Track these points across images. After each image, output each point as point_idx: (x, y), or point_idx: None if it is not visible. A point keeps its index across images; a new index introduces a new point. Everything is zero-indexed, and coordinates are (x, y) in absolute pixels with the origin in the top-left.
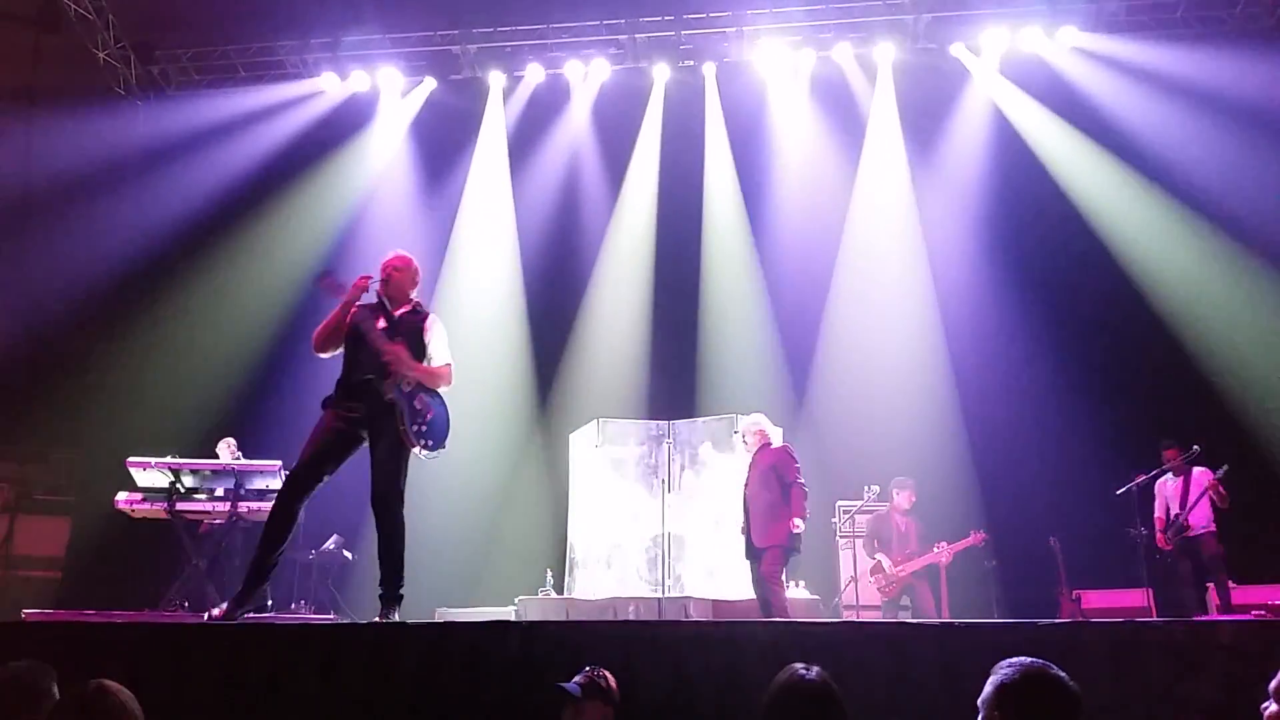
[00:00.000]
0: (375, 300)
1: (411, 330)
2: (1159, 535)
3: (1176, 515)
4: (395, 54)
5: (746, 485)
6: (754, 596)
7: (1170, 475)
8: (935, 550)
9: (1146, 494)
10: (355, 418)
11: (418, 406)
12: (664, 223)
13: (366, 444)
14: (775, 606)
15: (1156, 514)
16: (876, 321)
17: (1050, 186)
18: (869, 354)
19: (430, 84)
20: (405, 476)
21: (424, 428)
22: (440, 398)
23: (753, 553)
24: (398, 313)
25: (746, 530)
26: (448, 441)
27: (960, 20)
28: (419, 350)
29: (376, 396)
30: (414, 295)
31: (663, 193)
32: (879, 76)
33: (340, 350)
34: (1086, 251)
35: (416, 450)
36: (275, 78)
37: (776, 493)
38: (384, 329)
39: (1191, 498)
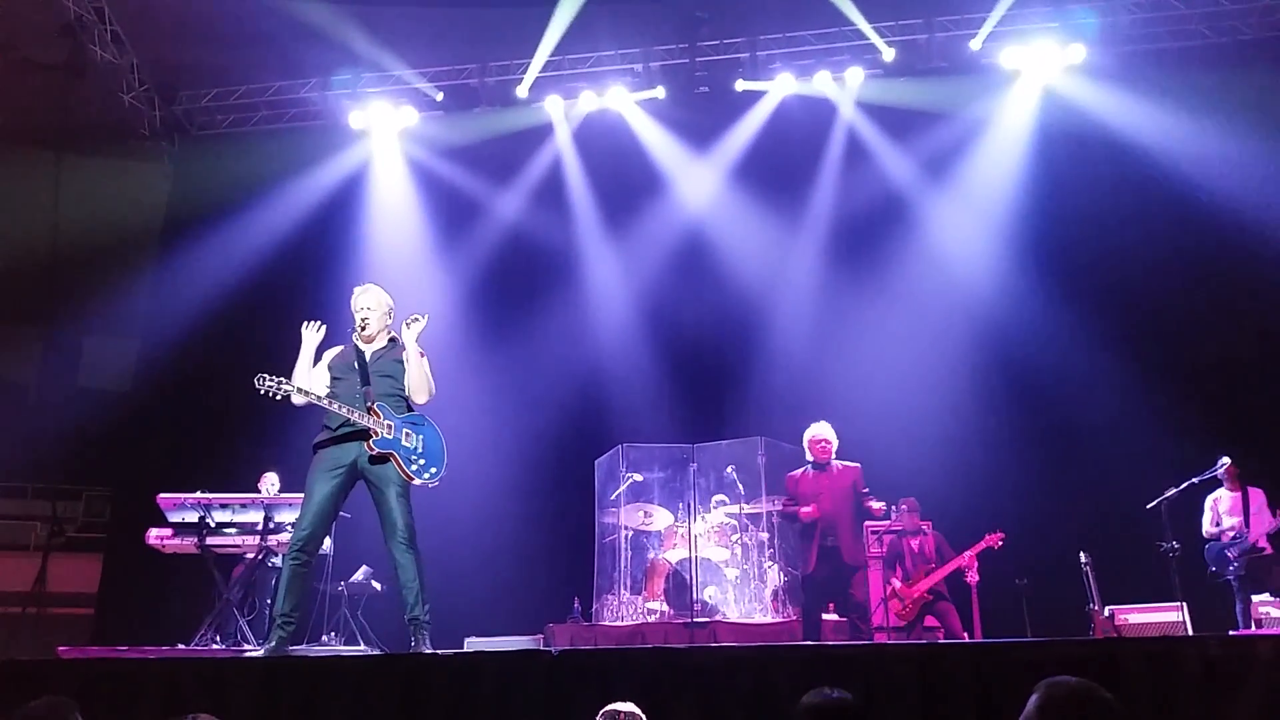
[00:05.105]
0: (350, 345)
1: (388, 364)
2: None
3: (1241, 532)
4: (413, 89)
5: (823, 500)
6: (778, 620)
7: (1225, 490)
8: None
9: (1176, 508)
10: (348, 470)
11: (408, 444)
12: (686, 245)
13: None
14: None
15: (1221, 528)
16: (899, 337)
17: (1084, 193)
18: (892, 370)
19: (449, 117)
20: (412, 507)
21: (422, 461)
22: (424, 422)
23: (845, 570)
24: (372, 353)
25: (835, 548)
26: (445, 462)
27: (972, 37)
28: (399, 376)
29: (365, 444)
30: (389, 326)
31: (686, 214)
32: (895, 95)
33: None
34: (1119, 257)
35: (421, 482)
36: (296, 117)
37: (856, 510)
38: (359, 374)
39: (1253, 514)
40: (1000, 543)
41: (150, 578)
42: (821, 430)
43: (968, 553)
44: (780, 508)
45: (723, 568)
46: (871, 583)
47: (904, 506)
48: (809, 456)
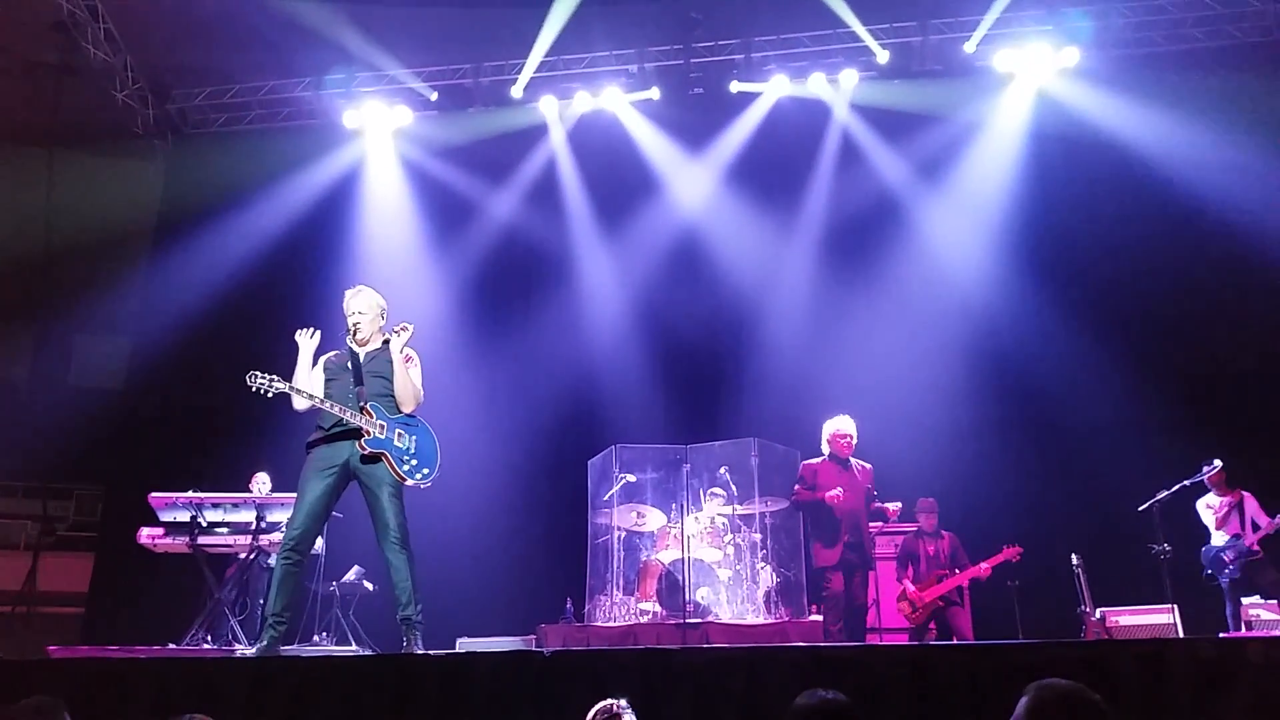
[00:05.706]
0: (345, 348)
1: (382, 365)
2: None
3: (1238, 534)
4: (407, 89)
5: (845, 498)
6: (771, 621)
7: (1213, 494)
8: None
9: (1168, 510)
10: (340, 470)
11: (400, 445)
12: (680, 246)
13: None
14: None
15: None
16: (893, 339)
17: (1078, 196)
18: (885, 372)
19: (444, 116)
20: (404, 508)
21: (414, 462)
22: (417, 423)
23: (867, 563)
24: (366, 354)
25: (857, 545)
26: (439, 462)
27: (966, 40)
28: (392, 377)
29: (357, 444)
30: (383, 327)
31: (680, 216)
32: (889, 98)
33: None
34: (1112, 260)
35: (413, 483)
36: (289, 117)
37: (868, 511)
38: (353, 374)
39: (1248, 517)
40: (1018, 557)
41: (141, 577)
42: (845, 425)
43: (985, 564)
44: (794, 494)
45: (715, 569)
46: (870, 584)
47: (923, 507)
48: (826, 450)
